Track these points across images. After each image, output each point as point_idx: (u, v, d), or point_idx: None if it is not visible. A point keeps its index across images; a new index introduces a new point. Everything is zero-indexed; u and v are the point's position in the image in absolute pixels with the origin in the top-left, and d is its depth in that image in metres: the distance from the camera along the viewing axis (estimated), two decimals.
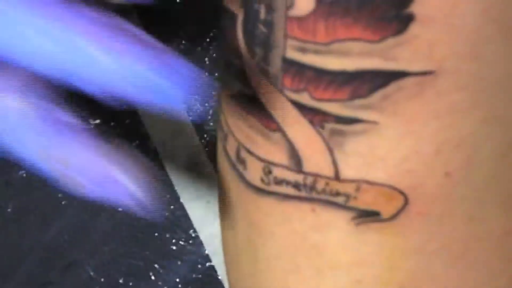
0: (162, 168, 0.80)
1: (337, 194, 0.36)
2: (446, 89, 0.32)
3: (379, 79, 0.33)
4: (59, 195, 0.80)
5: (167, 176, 0.80)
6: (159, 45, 0.32)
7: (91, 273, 0.79)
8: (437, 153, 0.34)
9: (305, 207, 0.37)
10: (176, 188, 0.79)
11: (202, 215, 0.78)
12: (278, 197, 0.38)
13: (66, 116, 0.40)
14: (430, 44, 0.31)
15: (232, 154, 0.42)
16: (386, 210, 0.35)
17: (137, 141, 0.82)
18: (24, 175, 0.80)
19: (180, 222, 0.79)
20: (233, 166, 0.42)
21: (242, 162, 0.40)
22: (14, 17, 0.32)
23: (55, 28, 0.32)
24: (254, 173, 0.39)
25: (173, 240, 0.79)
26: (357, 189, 0.35)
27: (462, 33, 0.31)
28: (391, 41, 0.31)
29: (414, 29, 0.31)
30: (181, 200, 0.80)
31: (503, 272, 0.37)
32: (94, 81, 0.32)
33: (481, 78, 0.32)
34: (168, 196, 0.80)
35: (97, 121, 0.82)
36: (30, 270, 0.79)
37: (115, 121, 0.82)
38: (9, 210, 0.80)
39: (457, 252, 0.36)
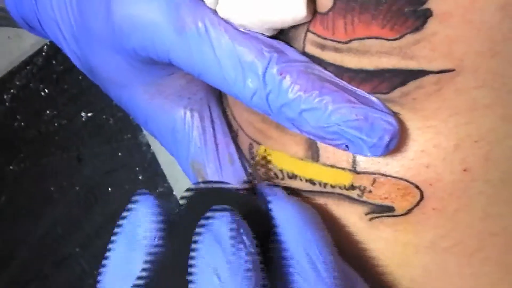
0: (155, 161, 0.80)
1: (352, 187, 0.36)
2: (465, 87, 0.32)
3: (398, 78, 0.33)
4: (52, 189, 0.80)
5: (160, 169, 0.80)
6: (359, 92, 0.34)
7: (85, 267, 0.79)
8: (456, 148, 0.34)
9: (318, 201, 0.37)
10: (169, 181, 0.79)
11: None
12: (290, 192, 0.38)
13: (219, 123, 0.42)
14: (449, 41, 0.31)
15: (245, 151, 0.42)
16: (401, 205, 0.35)
17: (129, 134, 0.81)
18: (16, 168, 0.80)
19: None
20: (247, 162, 0.42)
21: (255, 158, 0.40)
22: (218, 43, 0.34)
23: (260, 67, 0.34)
24: (268, 168, 0.40)
25: None
26: (373, 182, 0.35)
27: (481, 30, 0.31)
28: (409, 38, 0.31)
29: (432, 25, 0.31)
30: (174, 193, 0.80)
31: None
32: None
33: (500, 75, 0.32)
34: (161, 189, 0.80)
35: (90, 114, 0.82)
36: (23, 263, 0.78)
37: (107, 114, 0.82)
38: (1, 204, 0.79)
39: (471, 248, 0.36)
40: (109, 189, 0.80)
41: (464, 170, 0.34)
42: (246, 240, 0.30)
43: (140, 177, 0.80)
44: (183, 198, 0.35)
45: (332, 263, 0.33)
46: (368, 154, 0.33)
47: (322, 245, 0.33)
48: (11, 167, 0.80)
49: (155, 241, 0.32)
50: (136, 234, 0.32)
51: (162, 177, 0.80)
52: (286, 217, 0.34)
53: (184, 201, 0.34)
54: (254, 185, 0.37)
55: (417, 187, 0.35)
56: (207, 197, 0.34)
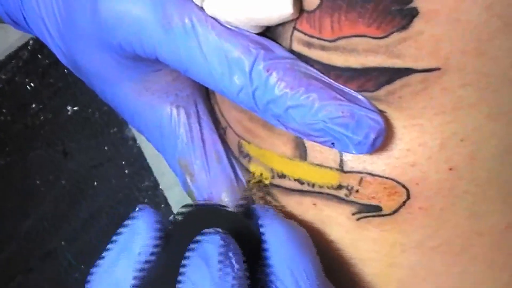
0: (141, 155, 0.80)
1: (340, 187, 0.36)
2: (451, 85, 0.32)
3: (384, 76, 0.33)
4: (38, 182, 0.80)
5: (146, 163, 0.80)
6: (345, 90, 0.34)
7: (71, 260, 0.78)
8: (442, 147, 0.34)
9: (307, 201, 0.37)
10: (155, 174, 0.79)
11: (181, 201, 0.78)
12: (280, 190, 0.38)
13: (205, 120, 0.42)
14: (435, 40, 0.31)
15: (234, 148, 0.42)
16: (388, 204, 0.35)
17: (115, 128, 0.81)
18: (2, 162, 0.79)
19: (160, 208, 0.79)
20: (237, 160, 0.42)
21: (245, 156, 0.40)
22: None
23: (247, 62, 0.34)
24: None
25: None
26: (360, 182, 0.35)
27: (467, 29, 0.31)
28: (395, 37, 0.32)
29: (418, 24, 0.31)
30: (160, 187, 0.80)
31: (504, 267, 0.37)
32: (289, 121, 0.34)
33: (486, 74, 0.32)
34: (147, 183, 0.80)
35: (76, 108, 0.82)
36: (10, 257, 0.78)
37: (93, 108, 0.81)
38: None
39: (458, 248, 0.36)
40: (95, 183, 0.80)
41: (450, 169, 0.34)
42: (234, 262, 0.31)
43: (126, 171, 0.80)
44: (179, 214, 0.35)
45: (317, 285, 0.33)
46: (354, 152, 0.34)
47: (308, 266, 0.33)
48: None
49: (148, 255, 0.33)
50: (131, 246, 0.33)
51: (148, 171, 0.80)
52: (274, 237, 0.34)
53: (179, 217, 0.35)
54: (248, 206, 0.38)
55: (403, 186, 0.35)
56: (202, 215, 0.35)
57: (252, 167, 0.40)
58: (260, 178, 0.38)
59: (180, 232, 0.34)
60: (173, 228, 0.34)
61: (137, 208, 0.34)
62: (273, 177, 0.39)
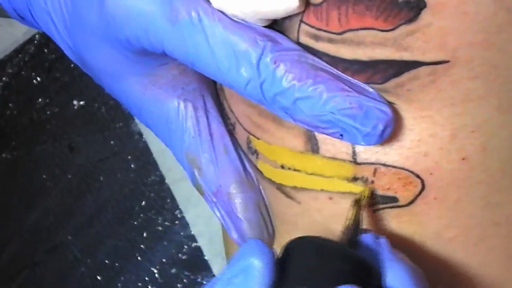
0: (147, 149, 0.80)
1: (354, 179, 0.36)
2: (460, 78, 0.32)
3: (392, 69, 0.33)
4: (44, 177, 0.80)
5: (153, 157, 0.80)
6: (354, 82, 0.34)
7: (77, 254, 0.79)
8: (452, 138, 0.34)
9: (323, 195, 0.37)
10: (161, 169, 0.79)
11: (188, 196, 0.78)
12: (295, 187, 0.38)
13: (213, 113, 0.42)
14: (443, 32, 0.31)
15: (243, 144, 0.42)
16: (404, 195, 0.35)
17: (121, 123, 0.81)
18: (9, 156, 0.79)
19: (166, 203, 0.79)
20: (245, 156, 0.42)
21: (254, 152, 0.40)
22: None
23: (254, 54, 0.34)
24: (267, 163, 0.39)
25: (159, 221, 0.79)
26: (374, 173, 0.35)
27: (475, 21, 0.31)
28: (403, 29, 0.32)
29: (426, 17, 0.31)
30: (166, 181, 0.80)
31: None
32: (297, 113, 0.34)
33: (495, 66, 0.32)
34: (153, 177, 0.80)
35: (82, 102, 0.82)
36: (16, 251, 0.78)
37: (99, 103, 0.82)
38: None
39: (475, 239, 0.36)
40: (101, 177, 0.80)
41: (462, 159, 0.34)
42: None
43: (132, 166, 0.80)
44: (285, 247, 0.33)
45: None
46: (363, 143, 0.34)
47: None
48: (3, 155, 0.80)
49: None
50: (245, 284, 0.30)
51: (154, 165, 0.80)
52: (400, 282, 0.32)
53: (289, 251, 0.33)
54: (355, 232, 0.35)
55: (417, 176, 0.35)
56: (314, 251, 0.33)
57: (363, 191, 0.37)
58: (369, 196, 0.36)
59: (294, 272, 0.31)
60: (285, 264, 0.32)
61: (247, 241, 0.31)
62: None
